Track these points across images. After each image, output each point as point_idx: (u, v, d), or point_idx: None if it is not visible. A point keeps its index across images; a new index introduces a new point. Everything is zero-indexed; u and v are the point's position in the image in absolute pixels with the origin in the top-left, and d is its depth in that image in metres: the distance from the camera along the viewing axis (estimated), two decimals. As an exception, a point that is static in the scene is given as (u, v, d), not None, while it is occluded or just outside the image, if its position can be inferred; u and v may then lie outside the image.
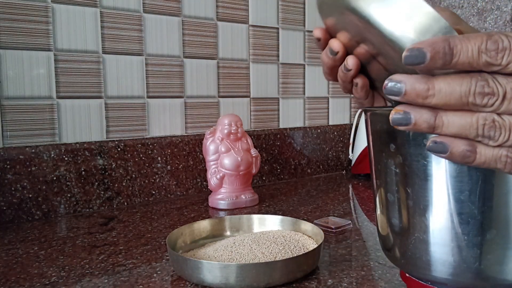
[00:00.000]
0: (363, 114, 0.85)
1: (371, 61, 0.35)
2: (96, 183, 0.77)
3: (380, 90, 0.40)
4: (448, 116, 0.27)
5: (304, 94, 1.07)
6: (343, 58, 0.37)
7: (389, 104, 0.41)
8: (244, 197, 0.78)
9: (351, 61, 0.36)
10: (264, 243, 0.51)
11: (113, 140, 0.79)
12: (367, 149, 0.92)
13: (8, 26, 0.70)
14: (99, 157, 0.77)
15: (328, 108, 1.13)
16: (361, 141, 1.04)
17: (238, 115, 0.82)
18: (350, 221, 0.65)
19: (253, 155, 0.80)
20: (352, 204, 0.81)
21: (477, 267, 0.31)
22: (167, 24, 0.85)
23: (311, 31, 1.07)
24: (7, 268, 0.51)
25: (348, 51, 0.37)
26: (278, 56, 1.02)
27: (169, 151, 0.84)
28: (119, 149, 0.79)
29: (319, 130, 1.08)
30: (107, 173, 0.78)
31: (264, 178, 0.98)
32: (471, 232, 0.31)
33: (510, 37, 0.25)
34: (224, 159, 0.77)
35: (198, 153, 0.88)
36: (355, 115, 1.15)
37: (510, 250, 0.31)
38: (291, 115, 1.05)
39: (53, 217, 0.72)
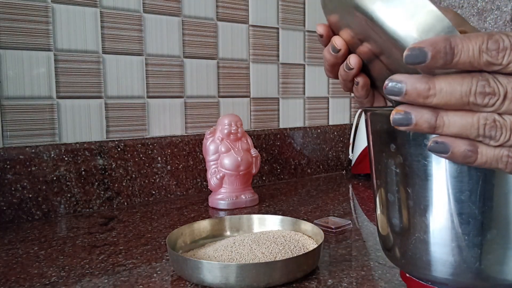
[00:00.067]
0: (363, 114, 0.85)
1: (373, 60, 0.35)
2: (96, 183, 0.76)
3: (380, 89, 0.40)
4: (449, 116, 0.27)
5: (304, 94, 1.07)
6: (345, 56, 0.37)
7: (389, 103, 0.41)
8: (244, 197, 0.78)
9: (353, 60, 0.36)
10: (264, 243, 0.51)
11: (113, 140, 0.79)
12: (367, 149, 0.92)
13: (8, 26, 0.70)
14: (99, 157, 0.77)
15: (328, 108, 1.13)
16: (361, 141, 1.04)
17: (238, 115, 0.82)
18: (350, 221, 0.65)
19: (253, 155, 0.80)
20: (352, 204, 0.81)
21: (477, 267, 0.31)
22: (167, 24, 0.85)
23: (311, 31, 1.07)
24: (7, 268, 0.51)
25: (350, 49, 0.37)
26: (278, 56, 1.02)
27: (169, 151, 0.84)
28: (119, 149, 0.79)
29: (319, 130, 1.08)
30: (107, 173, 0.77)
31: (264, 178, 0.98)
32: (472, 232, 0.31)
33: (511, 37, 0.25)
34: (224, 159, 0.77)
35: (198, 153, 0.88)
36: (355, 115, 1.15)
37: (510, 250, 0.31)
38: (291, 115, 1.05)
39: (53, 217, 0.72)
